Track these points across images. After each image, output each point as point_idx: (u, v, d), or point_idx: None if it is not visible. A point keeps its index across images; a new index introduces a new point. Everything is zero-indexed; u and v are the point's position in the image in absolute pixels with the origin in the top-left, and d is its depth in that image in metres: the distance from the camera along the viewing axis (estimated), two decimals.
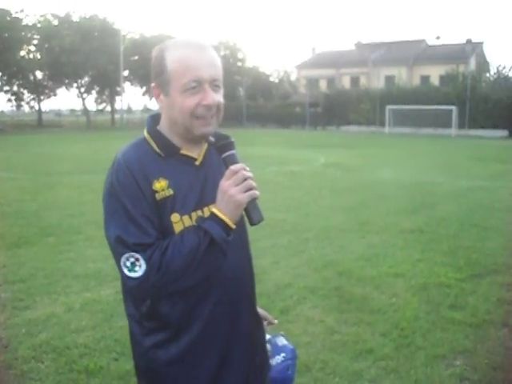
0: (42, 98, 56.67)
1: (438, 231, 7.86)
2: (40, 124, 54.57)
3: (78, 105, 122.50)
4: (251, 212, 1.54)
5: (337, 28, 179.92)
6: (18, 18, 49.86)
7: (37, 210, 9.46)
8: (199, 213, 1.61)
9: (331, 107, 46.66)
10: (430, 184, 12.90)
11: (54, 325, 4.52)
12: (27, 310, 4.87)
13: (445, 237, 7.49)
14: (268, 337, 1.98)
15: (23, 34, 50.50)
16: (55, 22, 52.59)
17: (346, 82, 53.96)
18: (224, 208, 1.53)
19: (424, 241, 7.33)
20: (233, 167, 1.53)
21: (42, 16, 52.64)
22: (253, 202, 1.53)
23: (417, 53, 52.95)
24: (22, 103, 57.01)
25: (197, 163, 1.67)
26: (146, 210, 1.55)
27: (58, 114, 72.14)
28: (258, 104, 54.22)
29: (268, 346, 1.94)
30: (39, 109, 56.94)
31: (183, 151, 1.65)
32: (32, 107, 58.00)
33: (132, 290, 1.60)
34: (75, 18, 53.10)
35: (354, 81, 53.80)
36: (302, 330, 4.38)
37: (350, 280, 5.68)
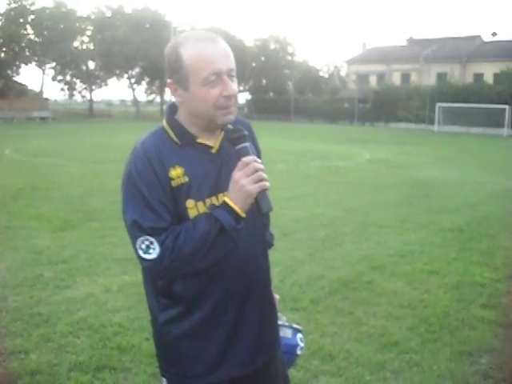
0: (93, 87, 58.11)
1: (478, 231, 7.74)
2: (91, 113, 56.00)
3: (128, 95, 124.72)
4: (261, 202, 1.62)
5: (388, 23, 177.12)
6: (72, 9, 51.35)
7: (82, 196, 9.78)
8: (213, 199, 1.70)
9: (380, 103, 46.00)
10: (474, 183, 12.66)
11: (92, 304, 4.73)
12: (68, 290, 5.10)
13: (484, 236, 7.38)
14: (279, 323, 2.02)
15: (77, 25, 51.94)
16: (108, 14, 53.90)
17: (396, 79, 53.02)
18: (235, 197, 1.61)
19: (462, 240, 7.25)
20: (244, 159, 1.62)
21: (95, 7, 54.11)
22: (262, 192, 1.61)
23: (471, 49, 51.39)
24: (74, 93, 58.62)
25: (213, 151, 1.75)
26: (161, 196, 1.65)
27: (109, 103, 73.80)
28: (306, 98, 53.76)
29: None
30: (90, 98, 58.44)
31: (200, 140, 1.73)
32: (84, 97, 59.69)
33: (146, 271, 1.73)
34: (128, 10, 54.20)
35: (405, 77, 52.78)
36: (330, 321, 4.44)
37: (383, 275, 5.70)
